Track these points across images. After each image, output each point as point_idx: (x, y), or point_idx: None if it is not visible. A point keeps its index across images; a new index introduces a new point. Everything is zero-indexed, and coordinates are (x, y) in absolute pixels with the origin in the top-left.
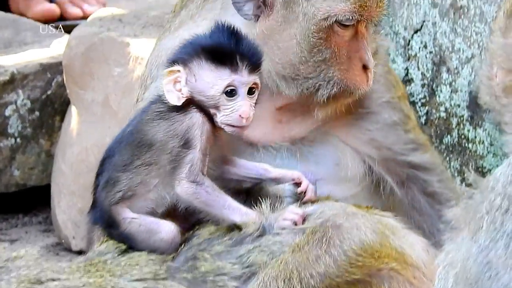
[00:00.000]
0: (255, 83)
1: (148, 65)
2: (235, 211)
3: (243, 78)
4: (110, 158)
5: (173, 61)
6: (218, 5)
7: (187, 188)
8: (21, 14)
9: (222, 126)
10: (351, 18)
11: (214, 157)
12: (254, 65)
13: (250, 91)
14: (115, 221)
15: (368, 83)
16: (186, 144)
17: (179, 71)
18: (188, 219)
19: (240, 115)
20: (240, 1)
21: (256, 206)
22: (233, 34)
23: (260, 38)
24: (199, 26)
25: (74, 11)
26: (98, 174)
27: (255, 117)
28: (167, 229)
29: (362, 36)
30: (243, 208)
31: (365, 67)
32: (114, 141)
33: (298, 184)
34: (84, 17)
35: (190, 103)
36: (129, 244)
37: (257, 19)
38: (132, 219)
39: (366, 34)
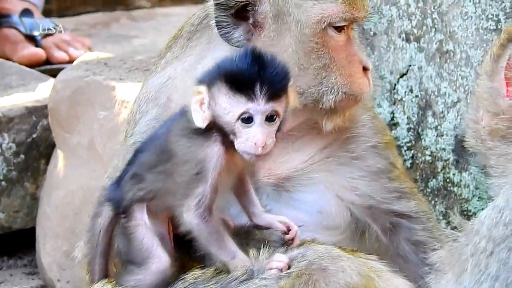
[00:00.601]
0: (274, 111)
1: (137, 102)
2: (229, 253)
3: (259, 107)
4: (141, 153)
5: (200, 81)
6: (204, 40)
7: (192, 219)
8: (7, 58)
9: (240, 152)
10: (344, 18)
11: (232, 182)
12: (275, 93)
13: (271, 118)
14: (127, 214)
15: (370, 86)
16: (199, 175)
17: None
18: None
19: (255, 143)
20: (228, 31)
21: (244, 248)
22: (257, 59)
23: None
24: (185, 62)
25: (60, 55)
26: (129, 163)
27: None
28: (159, 260)
29: (353, 41)
30: (238, 253)
31: (365, 69)
32: (149, 136)
33: (286, 231)
34: (70, 61)
35: (213, 127)
36: (120, 242)
37: (247, 44)
38: (144, 225)
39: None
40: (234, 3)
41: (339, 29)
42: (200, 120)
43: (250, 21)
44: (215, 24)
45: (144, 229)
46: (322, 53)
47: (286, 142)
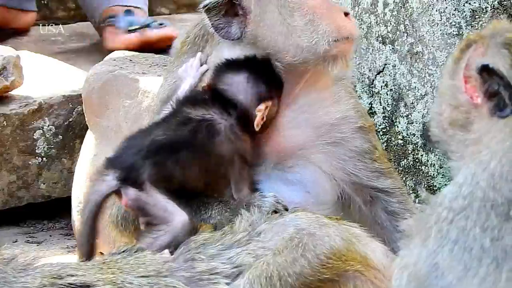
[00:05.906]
0: None
1: (160, 94)
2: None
3: None
4: (163, 143)
5: (263, 97)
6: (206, 45)
7: (244, 193)
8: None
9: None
10: None
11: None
12: None
13: None
14: (139, 187)
15: (356, 26)
16: (241, 161)
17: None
18: None
19: None
20: (226, 30)
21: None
22: None
23: (252, 42)
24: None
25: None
26: (137, 138)
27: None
28: (181, 214)
29: None
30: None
31: (346, 14)
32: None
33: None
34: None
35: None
36: (134, 209)
37: (244, 31)
38: (154, 191)
39: None
40: (221, 4)
41: None
42: (260, 123)
43: (240, 12)
44: (213, 29)
45: (155, 193)
46: (304, 10)
47: (294, 112)
